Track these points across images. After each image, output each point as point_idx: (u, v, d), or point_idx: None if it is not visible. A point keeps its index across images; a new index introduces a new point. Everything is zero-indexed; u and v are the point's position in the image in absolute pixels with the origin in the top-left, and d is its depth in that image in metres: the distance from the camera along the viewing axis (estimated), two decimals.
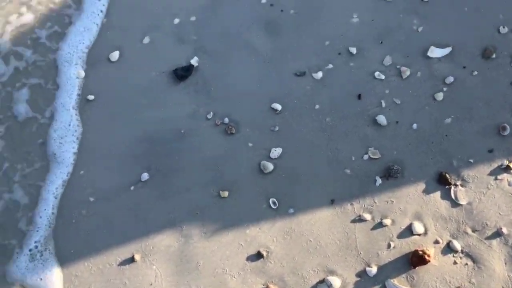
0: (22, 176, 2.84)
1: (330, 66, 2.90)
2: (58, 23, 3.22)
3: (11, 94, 3.04)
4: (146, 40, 3.11)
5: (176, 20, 3.14)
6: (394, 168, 2.58)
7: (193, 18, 3.14)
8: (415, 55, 2.87)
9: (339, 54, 2.93)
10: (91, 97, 2.97)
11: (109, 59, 3.07)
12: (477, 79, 2.77)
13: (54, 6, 3.29)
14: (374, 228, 2.52)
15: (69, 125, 2.93)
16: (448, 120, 2.70)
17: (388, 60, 2.87)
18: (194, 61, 3.02)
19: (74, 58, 3.11)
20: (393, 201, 2.57)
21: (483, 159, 2.60)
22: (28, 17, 3.26)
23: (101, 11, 3.23)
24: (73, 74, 3.03)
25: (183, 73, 2.99)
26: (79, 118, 2.94)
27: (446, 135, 2.67)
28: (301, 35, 3.01)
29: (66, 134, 2.92)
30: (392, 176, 2.59)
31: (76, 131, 2.92)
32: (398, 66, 2.85)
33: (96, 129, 2.90)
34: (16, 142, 2.92)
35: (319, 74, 2.89)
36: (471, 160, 2.60)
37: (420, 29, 2.93)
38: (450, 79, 2.77)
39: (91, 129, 2.90)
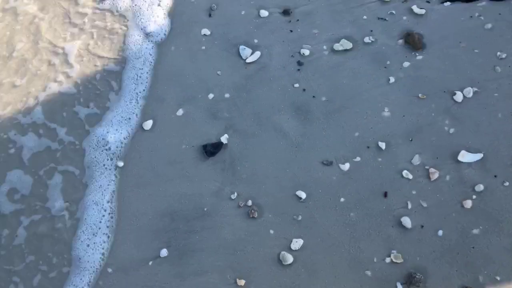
0: (45, 279, 2.68)
1: (358, 159, 2.91)
2: (97, 104, 3.21)
3: (44, 181, 2.98)
4: (180, 112, 3.21)
5: (211, 96, 3.25)
6: (417, 276, 2.52)
7: (227, 95, 3.24)
8: (445, 158, 2.85)
9: (368, 147, 2.94)
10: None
11: (142, 127, 3.18)
12: (508, 190, 2.72)
13: (95, 82, 3.22)
14: None
15: (100, 222, 2.76)
16: (476, 231, 2.64)
17: (417, 160, 2.86)
18: (224, 139, 3.09)
19: (110, 149, 2.98)
20: None
21: (510, 278, 2.50)
22: (66, 88, 3.20)
23: (141, 98, 3.18)
24: (108, 167, 2.86)
25: (212, 150, 3.06)
26: (113, 210, 2.85)
27: (473, 247, 2.60)
28: (331, 124, 3.05)
29: (95, 233, 2.75)
30: (414, 284, 2.51)
31: (107, 227, 2.77)
32: (426, 167, 2.84)
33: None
34: (42, 238, 2.82)
35: (346, 166, 2.90)
36: (498, 278, 2.51)
37: (451, 130, 2.93)
38: (480, 187, 2.73)
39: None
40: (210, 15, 3.58)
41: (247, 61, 3.35)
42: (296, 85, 3.22)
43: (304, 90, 3.20)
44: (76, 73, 3.35)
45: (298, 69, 3.28)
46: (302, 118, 3.10)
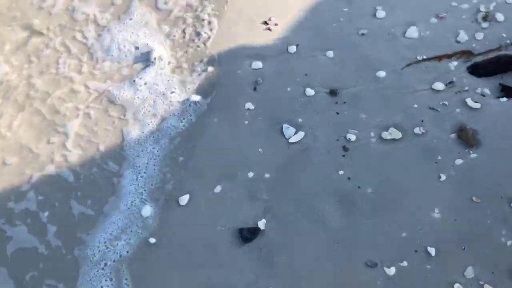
0: None
1: (405, 263, 2.71)
2: (93, 205, 2.92)
3: None
4: (218, 189, 3.09)
5: (251, 174, 3.13)
6: None
7: (267, 175, 3.12)
8: (503, 274, 2.62)
9: (416, 251, 2.74)
10: (152, 240, 2.93)
11: (178, 202, 3.07)
12: None
13: (95, 172, 2.94)
14: None
15: None
16: None
17: (470, 272, 2.64)
18: (261, 224, 2.94)
19: (106, 265, 2.69)
20: None
21: None
22: (62, 171, 2.90)
23: (144, 198, 2.83)
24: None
25: (248, 236, 2.90)
26: None
27: None
28: (377, 220, 2.88)
29: None
30: None
31: None
32: (481, 282, 2.61)
33: (148, 279, 2.79)
34: None
35: (392, 270, 2.70)
36: None
37: (509, 243, 2.72)
38: None
39: (143, 277, 2.80)
40: (255, 89, 3.54)
41: (290, 140, 3.25)
42: (341, 172, 3.08)
43: (349, 178, 3.05)
44: (75, 158, 3.17)
45: (343, 155, 3.15)
46: (346, 210, 2.94)
